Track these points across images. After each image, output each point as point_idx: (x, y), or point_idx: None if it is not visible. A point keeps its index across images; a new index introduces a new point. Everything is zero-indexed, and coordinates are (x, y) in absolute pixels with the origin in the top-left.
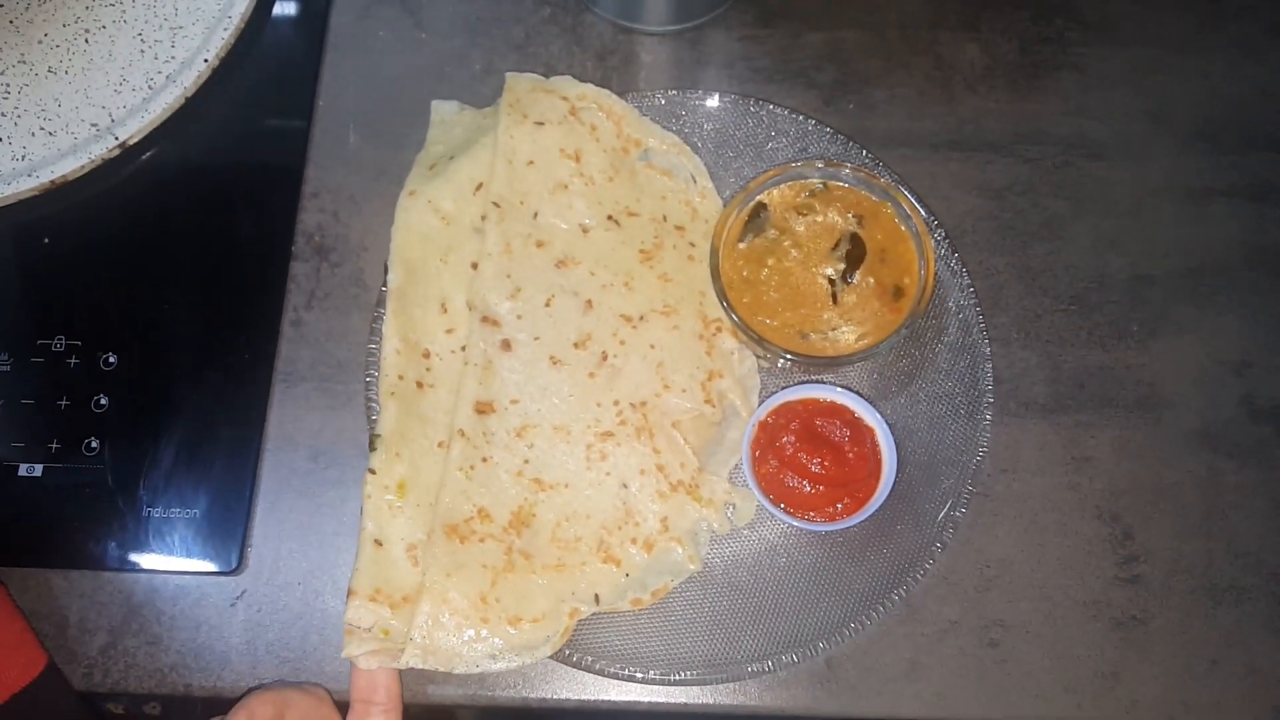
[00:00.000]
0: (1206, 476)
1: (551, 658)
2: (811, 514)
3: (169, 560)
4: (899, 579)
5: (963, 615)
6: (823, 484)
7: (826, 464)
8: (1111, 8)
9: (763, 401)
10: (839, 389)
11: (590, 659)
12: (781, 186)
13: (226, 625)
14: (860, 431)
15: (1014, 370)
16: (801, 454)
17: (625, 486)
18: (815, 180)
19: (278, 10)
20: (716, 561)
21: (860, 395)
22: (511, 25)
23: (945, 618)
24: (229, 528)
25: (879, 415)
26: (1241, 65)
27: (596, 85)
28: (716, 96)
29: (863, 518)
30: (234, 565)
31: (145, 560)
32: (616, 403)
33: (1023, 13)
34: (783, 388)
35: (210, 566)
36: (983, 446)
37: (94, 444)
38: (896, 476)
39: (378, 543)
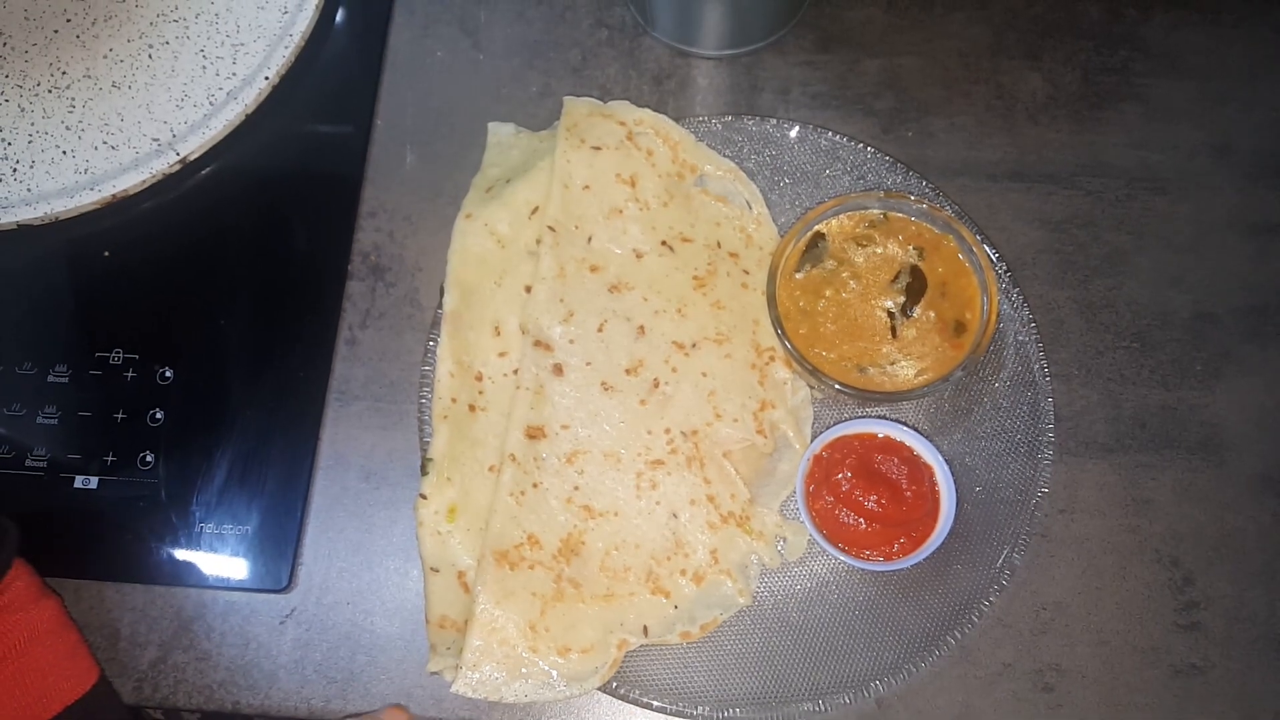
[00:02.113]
0: (1270, 523)
1: (599, 690)
2: (867, 552)
3: (220, 576)
4: (955, 621)
5: (1017, 658)
6: (879, 522)
7: (883, 502)
8: (1176, 38)
9: (817, 435)
10: (897, 424)
11: (638, 693)
12: (840, 217)
13: (275, 643)
14: (918, 470)
15: (1074, 408)
16: (858, 491)
17: (675, 516)
18: (875, 211)
19: (338, 29)
20: (766, 596)
21: (919, 432)
22: (569, 48)
23: (999, 660)
24: (280, 545)
25: (938, 453)
26: None
27: (653, 109)
28: (773, 122)
29: (920, 558)
30: (284, 583)
31: (196, 575)
32: (667, 430)
33: (1086, 42)
34: (838, 421)
35: (261, 584)
36: (1042, 486)
37: (149, 458)
38: (955, 516)
39: (433, 570)
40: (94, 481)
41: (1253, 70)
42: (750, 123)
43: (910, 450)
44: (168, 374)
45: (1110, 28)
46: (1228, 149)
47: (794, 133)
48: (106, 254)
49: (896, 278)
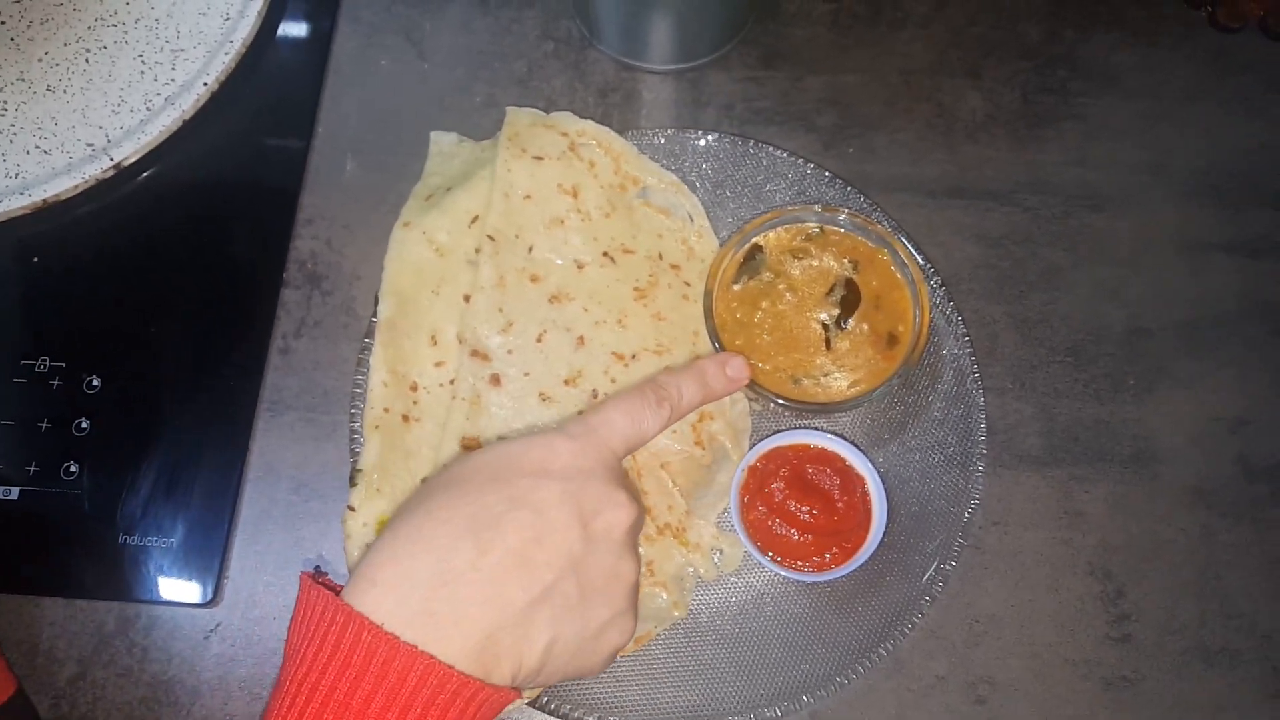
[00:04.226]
0: (1201, 535)
1: (530, 704)
2: (799, 563)
3: (143, 590)
4: (887, 632)
5: (950, 671)
6: (811, 533)
7: (816, 512)
8: (1114, 60)
9: (753, 446)
10: (831, 436)
11: (569, 707)
12: (778, 229)
13: (199, 659)
14: (851, 480)
15: (1008, 421)
16: (791, 501)
17: None
18: (812, 224)
19: (281, 36)
20: (701, 608)
21: (852, 443)
22: (515, 59)
23: (932, 673)
24: (205, 559)
25: (871, 464)
26: (1243, 120)
27: (597, 122)
28: (716, 136)
29: (851, 569)
30: (209, 597)
31: (118, 589)
32: None
33: (1025, 63)
34: (774, 432)
35: (185, 598)
36: (975, 498)
37: (73, 468)
38: (886, 527)
39: None
40: (15, 492)
41: (1189, 92)
42: (693, 136)
43: (843, 461)
44: (95, 383)
45: (1050, 49)
46: (1164, 168)
47: (736, 147)
48: (35, 259)
49: (831, 290)
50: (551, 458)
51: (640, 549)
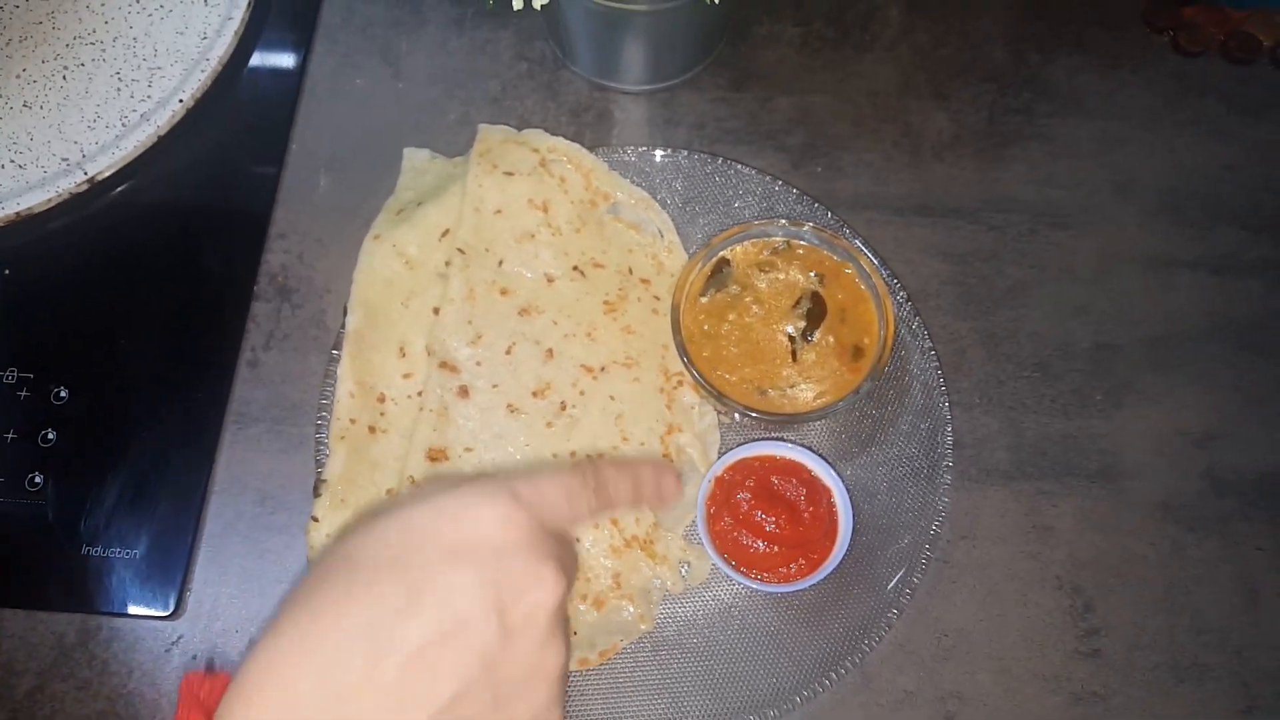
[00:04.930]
0: (1169, 550)
1: None
2: (765, 574)
3: (105, 601)
4: (854, 645)
5: (919, 686)
6: (777, 543)
7: (781, 523)
8: (1078, 82)
9: (721, 456)
10: (797, 447)
11: None
12: (745, 243)
13: (160, 672)
14: (817, 491)
15: (975, 435)
16: (757, 511)
17: (578, 541)
18: (778, 238)
19: (257, 55)
20: (668, 621)
21: (818, 454)
22: (489, 79)
23: (901, 688)
24: (169, 570)
25: (836, 475)
26: (1204, 141)
27: (569, 140)
28: (686, 154)
29: (816, 580)
30: (171, 609)
31: (80, 600)
32: (573, 453)
33: (991, 84)
34: (741, 443)
35: (147, 610)
36: (941, 511)
37: (38, 479)
38: (853, 539)
39: None
40: None
41: (1151, 113)
42: (662, 154)
43: (809, 471)
44: (63, 394)
45: (1014, 71)
46: (1128, 186)
47: (705, 164)
48: (6, 272)
49: (798, 303)
50: (468, 529)
51: (607, 561)
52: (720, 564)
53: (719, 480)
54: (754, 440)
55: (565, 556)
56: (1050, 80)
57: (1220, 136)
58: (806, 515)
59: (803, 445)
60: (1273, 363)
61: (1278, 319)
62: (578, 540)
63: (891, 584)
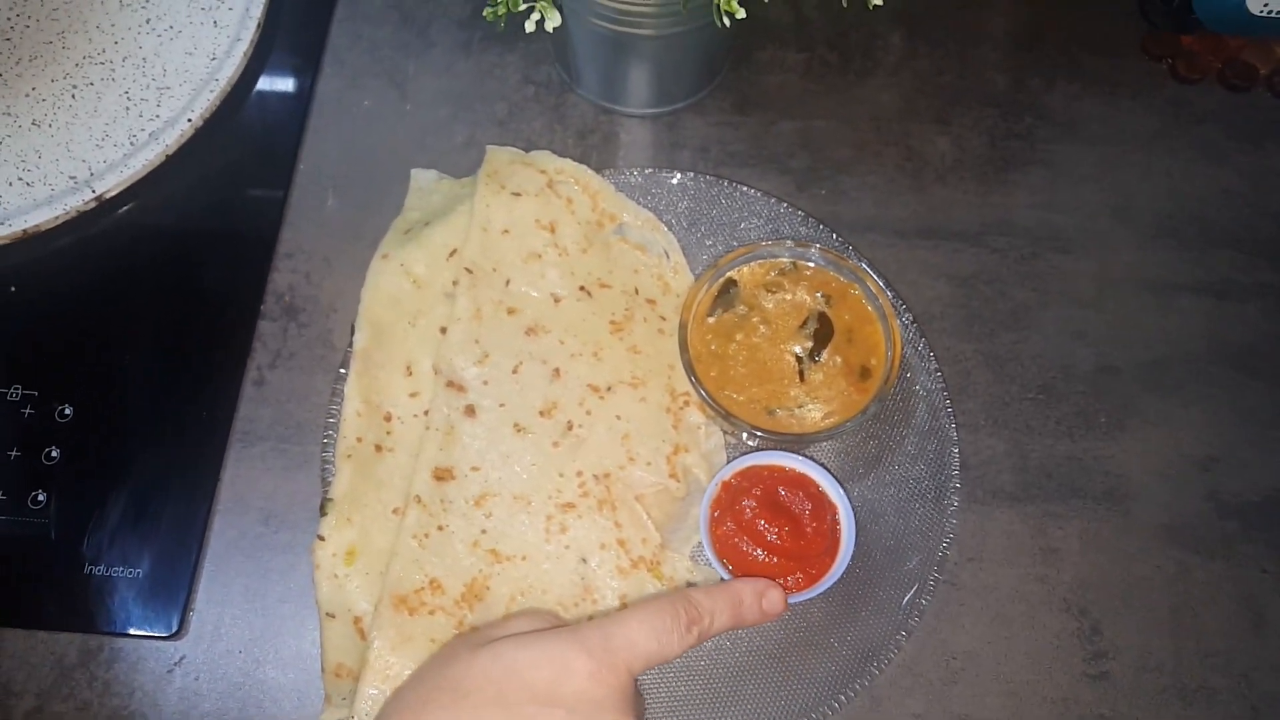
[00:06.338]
0: (1175, 572)
1: None
2: None
3: (107, 621)
4: (862, 668)
5: (927, 709)
6: (777, 554)
7: (783, 534)
8: (1078, 108)
9: (730, 462)
10: (808, 461)
11: None
12: (752, 264)
13: (161, 693)
14: (822, 507)
15: (981, 457)
16: (760, 520)
17: (584, 561)
18: (785, 259)
19: (265, 77)
20: None
21: (828, 470)
22: (496, 101)
23: (909, 711)
24: (171, 590)
25: (843, 493)
26: (1203, 166)
27: (575, 161)
28: (691, 176)
29: (811, 595)
30: (174, 629)
31: (81, 620)
32: (580, 473)
33: (992, 109)
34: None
35: (149, 630)
36: (949, 533)
37: (41, 497)
38: (860, 560)
39: (329, 615)
40: None
41: (1151, 139)
42: (668, 176)
43: (817, 486)
44: (67, 411)
45: (1015, 96)
46: (1128, 210)
47: (711, 186)
48: (12, 289)
49: (805, 324)
50: (564, 679)
51: (614, 582)
52: (721, 571)
53: (726, 485)
54: (765, 450)
55: (638, 702)
56: (1050, 106)
57: (1218, 162)
58: (809, 530)
59: (813, 459)
60: (1271, 385)
61: (1275, 343)
62: (584, 561)
63: (900, 605)
